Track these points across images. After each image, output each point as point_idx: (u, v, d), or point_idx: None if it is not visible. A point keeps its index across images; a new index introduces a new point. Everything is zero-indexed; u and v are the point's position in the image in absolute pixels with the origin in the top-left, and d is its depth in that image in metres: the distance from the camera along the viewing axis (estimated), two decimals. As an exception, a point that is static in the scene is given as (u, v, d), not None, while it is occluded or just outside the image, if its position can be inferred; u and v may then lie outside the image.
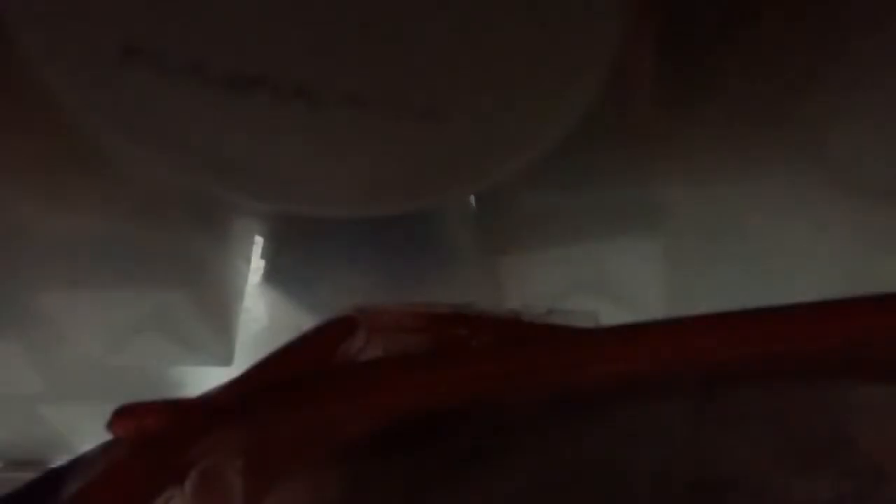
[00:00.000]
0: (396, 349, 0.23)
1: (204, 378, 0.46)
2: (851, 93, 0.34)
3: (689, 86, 0.36)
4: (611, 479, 0.21)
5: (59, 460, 0.46)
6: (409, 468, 0.21)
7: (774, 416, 0.21)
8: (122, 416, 0.22)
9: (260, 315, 0.45)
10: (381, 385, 0.22)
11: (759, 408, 0.21)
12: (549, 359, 0.22)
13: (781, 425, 0.21)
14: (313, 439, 0.22)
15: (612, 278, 0.43)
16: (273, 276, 0.44)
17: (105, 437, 0.34)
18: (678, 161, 0.39)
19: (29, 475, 0.25)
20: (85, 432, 0.47)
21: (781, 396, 0.21)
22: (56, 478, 0.22)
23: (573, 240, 0.43)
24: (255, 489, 0.21)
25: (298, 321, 0.45)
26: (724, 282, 0.43)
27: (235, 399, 0.22)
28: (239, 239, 0.43)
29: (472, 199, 0.42)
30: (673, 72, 0.35)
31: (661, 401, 0.22)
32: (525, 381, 0.21)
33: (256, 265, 0.44)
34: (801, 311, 0.22)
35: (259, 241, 0.43)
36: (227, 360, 0.45)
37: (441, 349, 0.23)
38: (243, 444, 0.21)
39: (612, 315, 0.43)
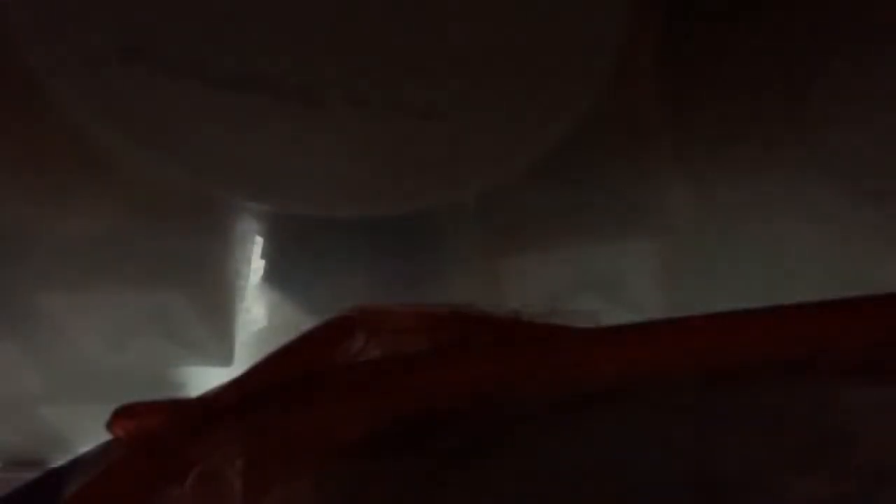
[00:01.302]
0: (395, 350, 0.23)
1: (204, 378, 0.45)
2: (852, 92, 0.34)
3: (690, 87, 0.36)
4: (611, 478, 0.21)
5: (59, 460, 0.45)
6: (408, 469, 0.21)
7: (774, 416, 0.21)
8: (122, 415, 0.22)
9: (260, 315, 0.45)
10: (380, 386, 0.22)
11: (759, 408, 0.22)
12: (549, 359, 0.22)
13: (781, 425, 0.21)
14: (313, 439, 0.22)
15: (613, 278, 0.43)
16: (273, 276, 0.44)
17: (105, 437, 0.34)
18: (679, 161, 0.39)
19: (29, 475, 0.25)
20: (85, 432, 0.47)
21: (781, 396, 0.22)
22: (56, 478, 0.22)
23: (573, 240, 0.42)
24: (254, 489, 0.21)
25: (298, 321, 0.45)
26: (725, 282, 0.43)
27: (235, 399, 0.22)
28: (239, 239, 0.43)
29: (473, 199, 0.42)
30: (674, 73, 0.35)
31: (661, 401, 0.22)
32: (525, 382, 0.22)
33: (256, 265, 0.44)
34: (802, 311, 0.22)
35: (259, 241, 0.43)
36: (226, 361, 0.45)
37: (440, 350, 0.23)
38: (243, 445, 0.21)
39: (612, 315, 0.43)
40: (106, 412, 0.29)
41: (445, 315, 0.23)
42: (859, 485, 0.21)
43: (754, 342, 0.22)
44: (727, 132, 0.38)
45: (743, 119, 0.37)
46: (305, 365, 0.23)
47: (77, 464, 0.22)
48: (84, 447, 0.37)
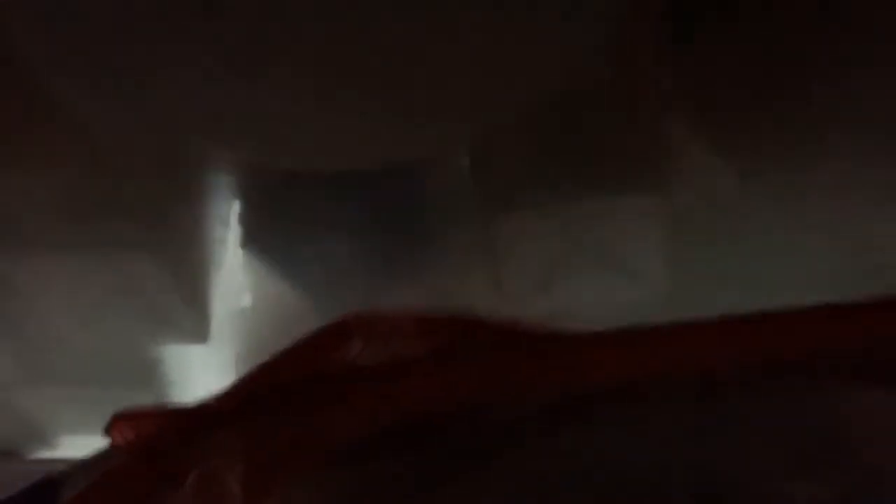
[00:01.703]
0: (393, 355, 0.25)
1: (180, 356, 0.47)
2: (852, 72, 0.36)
3: (703, 47, 0.38)
4: (610, 483, 0.23)
5: (30, 447, 0.48)
6: (408, 471, 0.24)
7: (773, 419, 0.24)
8: (121, 421, 0.24)
9: (237, 284, 0.47)
10: (379, 389, 0.24)
11: (758, 411, 0.24)
12: (546, 364, 0.24)
13: (780, 428, 0.24)
14: (311, 443, 0.24)
15: (614, 246, 0.45)
16: (251, 241, 0.46)
17: (80, 422, 0.37)
18: (692, 124, 0.41)
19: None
20: (58, 418, 0.48)
21: (780, 400, 0.24)
22: (55, 483, 0.25)
23: (574, 202, 0.44)
24: (253, 493, 0.24)
25: (278, 293, 0.46)
26: (729, 253, 0.44)
27: (234, 404, 0.25)
28: (215, 202, 0.44)
29: (466, 156, 0.44)
30: (687, 32, 0.37)
31: (660, 405, 0.24)
32: (522, 386, 0.24)
33: (234, 231, 0.45)
34: (801, 314, 0.24)
35: (237, 204, 0.44)
36: (202, 337, 0.47)
37: (439, 354, 0.25)
38: (242, 449, 0.24)
39: (612, 285, 0.44)
40: (78, 395, 0.31)
41: (443, 320, 0.26)
42: (858, 487, 0.23)
43: (753, 345, 0.24)
44: (747, 95, 0.39)
45: (761, 83, 0.39)
46: (304, 369, 0.25)
47: (76, 469, 0.25)
48: (57, 433, 0.39)
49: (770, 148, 0.40)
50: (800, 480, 0.23)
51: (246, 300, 0.47)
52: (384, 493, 0.24)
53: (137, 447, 0.24)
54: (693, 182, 0.43)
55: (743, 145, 0.41)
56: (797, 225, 0.43)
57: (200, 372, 0.48)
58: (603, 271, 0.45)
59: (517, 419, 0.24)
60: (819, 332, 0.24)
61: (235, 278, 0.47)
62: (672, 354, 0.24)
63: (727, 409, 0.24)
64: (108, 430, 0.25)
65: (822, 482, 0.23)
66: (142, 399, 0.46)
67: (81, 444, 0.47)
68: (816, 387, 0.24)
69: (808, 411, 0.24)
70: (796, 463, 0.23)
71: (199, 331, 0.47)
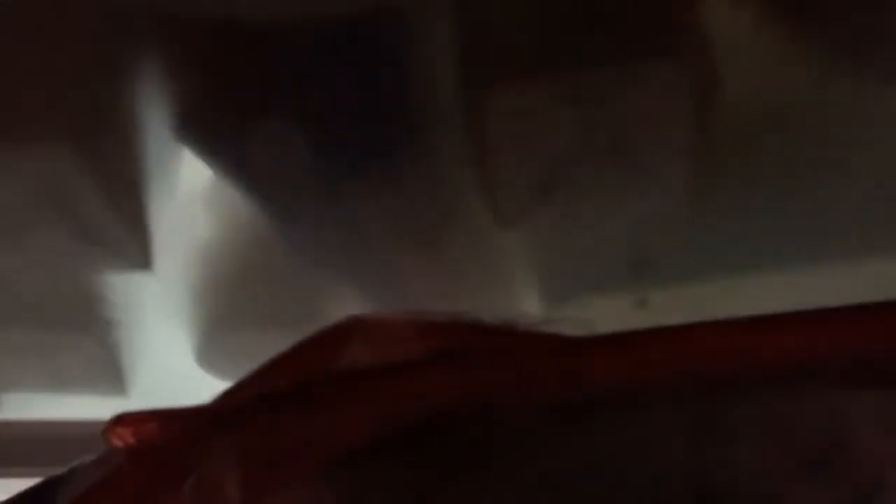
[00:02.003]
0: (392, 358, 0.34)
1: (123, 288, 0.52)
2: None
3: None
4: (609, 488, 0.31)
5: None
6: (407, 475, 0.32)
7: (774, 424, 0.32)
8: (119, 424, 0.33)
9: (185, 200, 0.51)
10: (377, 393, 0.33)
11: (758, 416, 0.32)
12: (545, 368, 0.32)
13: (781, 434, 0.31)
14: (310, 447, 0.32)
15: (627, 134, 0.49)
16: (191, 132, 0.50)
17: (13, 375, 0.45)
18: None
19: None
20: None
21: (780, 404, 0.32)
22: (53, 486, 0.34)
23: (577, 73, 0.48)
24: (251, 497, 0.32)
25: (232, 208, 0.52)
26: (770, 146, 0.49)
27: (232, 408, 0.34)
28: (149, 88, 0.48)
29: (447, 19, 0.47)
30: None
31: (659, 410, 0.32)
32: (521, 391, 0.32)
33: (171, 122, 0.49)
34: (799, 317, 0.32)
35: (175, 91, 0.48)
36: (145, 262, 0.50)
37: (437, 357, 0.34)
38: (241, 453, 0.32)
39: (625, 188, 0.51)
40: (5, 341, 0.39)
41: (441, 324, 0.35)
42: (859, 493, 0.30)
43: (752, 349, 0.32)
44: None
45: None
46: (302, 373, 0.34)
47: (74, 473, 0.34)
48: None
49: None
50: (799, 483, 0.31)
51: (196, 219, 0.51)
52: (385, 494, 0.32)
53: (136, 450, 0.34)
54: (732, 46, 0.47)
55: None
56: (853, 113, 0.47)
57: (149, 309, 0.53)
58: (614, 169, 0.49)
59: (517, 420, 0.32)
60: (819, 334, 0.32)
61: (182, 192, 0.51)
62: (672, 356, 0.32)
63: (727, 411, 0.32)
64: (107, 433, 0.34)
65: (822, 484, 0.31)
66: (80, 344, 0.53)
67: (21, 403, 0.55)
68: (816, 389, 0.32)
69: (808, 413, 0.32)
70: (796, 465, 0.31)
71: (140, 254, 0.50)
